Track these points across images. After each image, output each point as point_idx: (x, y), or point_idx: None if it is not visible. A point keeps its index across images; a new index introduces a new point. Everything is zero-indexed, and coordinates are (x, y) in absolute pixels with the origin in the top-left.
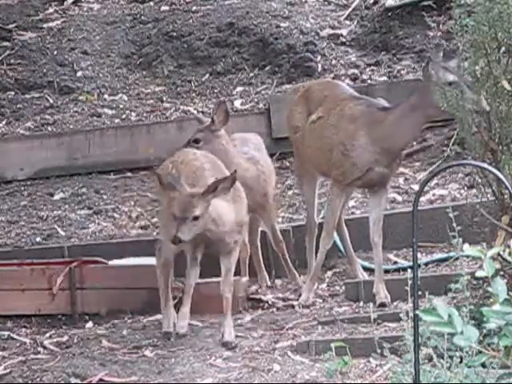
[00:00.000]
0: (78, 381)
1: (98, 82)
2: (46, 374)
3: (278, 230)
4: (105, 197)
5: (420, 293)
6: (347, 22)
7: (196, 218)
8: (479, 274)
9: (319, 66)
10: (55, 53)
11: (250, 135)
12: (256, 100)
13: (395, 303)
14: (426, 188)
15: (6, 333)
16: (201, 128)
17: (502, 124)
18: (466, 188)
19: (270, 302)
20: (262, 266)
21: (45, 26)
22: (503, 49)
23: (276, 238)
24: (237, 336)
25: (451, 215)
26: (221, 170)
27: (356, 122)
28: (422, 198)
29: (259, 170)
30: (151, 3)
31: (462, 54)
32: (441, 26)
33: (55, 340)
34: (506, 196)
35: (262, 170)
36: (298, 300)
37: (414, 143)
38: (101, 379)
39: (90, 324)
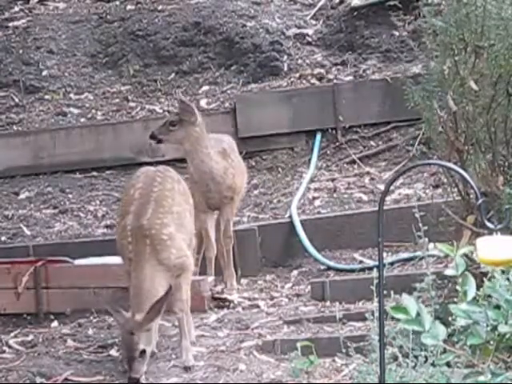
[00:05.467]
0: (44, 380)
1: (63, 80)
2: (11, 374)
3: (232, 225)
4: (70, 196)
5: (385, 292)
6: (313, 22)
7: (143, 352)
8: (448, 272)
9: (285, 65)
10: (21, 52)
11: (224, 136)
12: (222, 99)
13: (360, 303)
14: (392, 187)
15: None
16: (178, 111)
17: (468, 124)
18: (431, 188)
19: (235, 302)
20: (231, 265)
21: (10, 24)
22: (470, 49)
23: (226, 233)
24: (202, 335)
25: (417, 215)
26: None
27: None
28: (388, 198)
29: (229, 163)
30: (117, 2)
31: (430, 52)
32: (407, 25)
33: (20, 339)
34: (471, 196)
35: (231, 164)
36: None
37: (380, 143)
38: (66, 378)
39: (55, 323)
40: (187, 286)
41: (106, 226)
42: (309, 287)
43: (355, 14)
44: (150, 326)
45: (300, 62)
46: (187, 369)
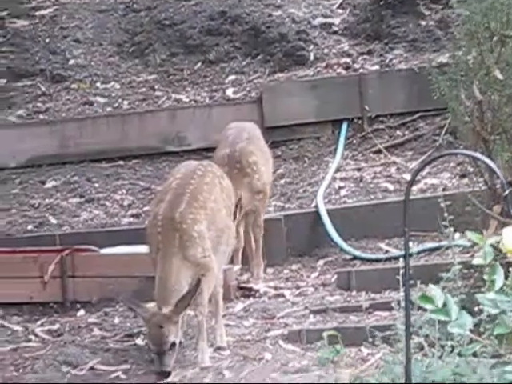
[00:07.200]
0: (70, 369)
1: (90, 70)
2: (37, 362)
3: (263, 216)
4: (97, 185)
5: (411, 282)
6: (339, 11)
7: (173, 345)
8: (476, 261)
9: (311, 54)
10: (47, 41)
11: (246, 124)
12: (248, 89)
13: (387, 292)
14: (418, 177)
15: None
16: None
17: (494, 113)
18: (457, 177)
19: (261, 291)
20: (260, 254)
21: (37, 13)
22: (496, 38)
23: (256, 222)
24: (228, 325)
25: (443, 205)
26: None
27: None
28: (414, 187)
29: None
30: None
31: (456, 42)
32: (433, 14)
33: (46, 328)
34: (497, 185)
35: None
36: (290, 289)
37: (406, 132)
38: (92, 367)
39: (81, 312)
40: (209, 290)
41: (132, 215)
42: (335, 277)
43: (382, 3)
44: (178, 319)
45: (326, 51)
46: (203, 369)
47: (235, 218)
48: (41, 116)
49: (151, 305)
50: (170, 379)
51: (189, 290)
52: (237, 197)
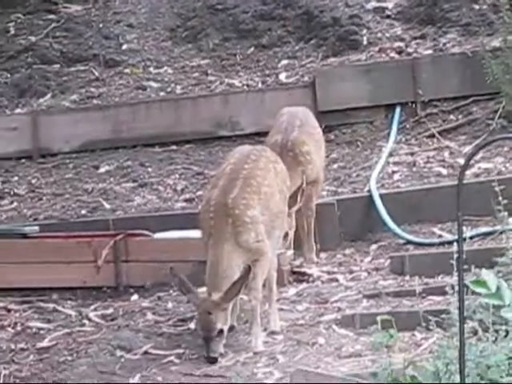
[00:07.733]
0: (123, 353)
1: (143, 54)
2: (91, 347)
3: (315, 201)
4: (150, 170)
5: (465, 266)
6: None
7: (221, 332)
8: None
9: (364, 39)
10: (101, 26)
11: (299, 109)
12: (301, 73)
13: (440, 277)
14: (472, 161)
15: (52, 305)
16: None
17: None
18: (511, 161)
19: (314, 276)
20: (311, 239)
21: None
22: None
23: (308, 206)
24: (281, 309)
25: (496, 189)
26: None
27: None
28: (468, 172)
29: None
30: None
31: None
32: None
33: (100, 312)
34: None
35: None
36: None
37: (460, 116)
38: (146, 351)
39: (135, 297)
40: (263, 275)
41: (186, 200)
42: (388, 261)
43: None
44: (227, 306)
45: (379, 35)
46: (256, 354)
47: (296, 202)
48: (94, 101)
49: (203, 289)
50: (222, 364)
51: (239, 278)
52: (294, 182)
